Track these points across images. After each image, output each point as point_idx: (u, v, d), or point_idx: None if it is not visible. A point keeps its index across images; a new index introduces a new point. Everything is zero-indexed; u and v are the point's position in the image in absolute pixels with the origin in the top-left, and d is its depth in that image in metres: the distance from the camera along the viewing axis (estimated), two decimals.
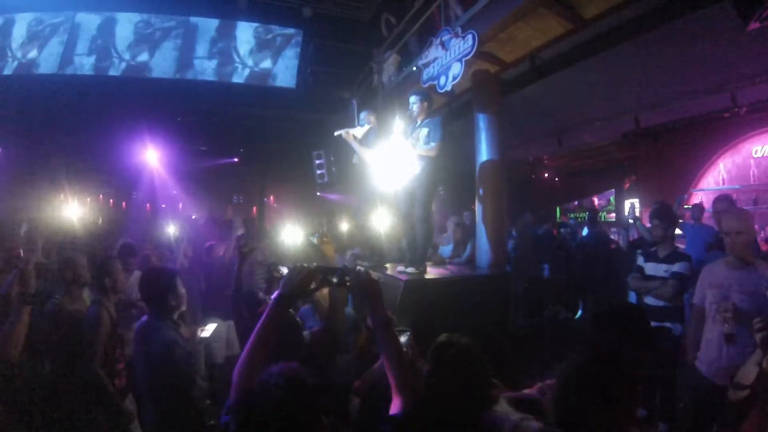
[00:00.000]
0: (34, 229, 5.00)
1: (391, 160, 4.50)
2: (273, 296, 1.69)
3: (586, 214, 9.34)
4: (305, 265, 1.73)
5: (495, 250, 5.25)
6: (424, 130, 4.33)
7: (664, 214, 3.96)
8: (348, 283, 1.73)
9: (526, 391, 1.87)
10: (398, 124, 4.51)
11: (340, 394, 2.64)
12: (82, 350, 2.96)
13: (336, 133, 4.91)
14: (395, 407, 1.54)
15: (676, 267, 3.66)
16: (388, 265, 4.89)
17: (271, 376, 1.26)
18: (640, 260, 4.03)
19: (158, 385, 2.58)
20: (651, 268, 3.86)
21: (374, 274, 4.09)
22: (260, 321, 1.63)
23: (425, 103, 4.44)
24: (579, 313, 7.64)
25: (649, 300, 3.79)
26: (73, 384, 2.91)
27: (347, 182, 11.13)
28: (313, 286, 1.74)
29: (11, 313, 2.51)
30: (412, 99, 4.45)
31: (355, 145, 4.73)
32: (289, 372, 1.28)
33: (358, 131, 4.74)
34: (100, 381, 2.90)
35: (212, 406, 4.74)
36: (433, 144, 4.24)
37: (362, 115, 4.80)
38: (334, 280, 1.74)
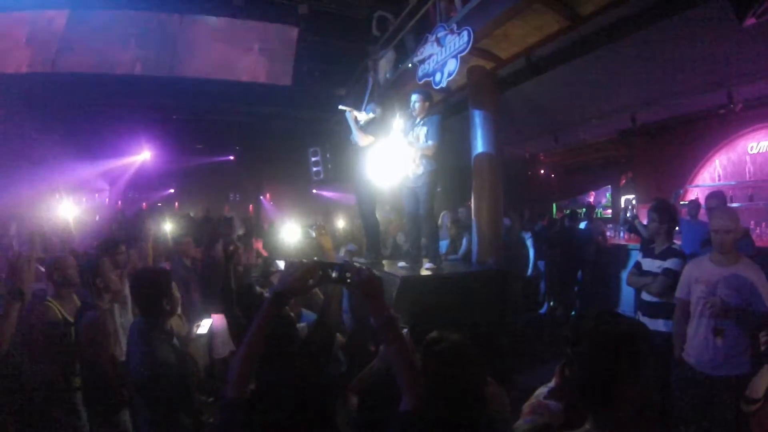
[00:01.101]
0: (25, 227, 4.94)
1: (390, 156, 4.52)
2: (268, 292, 1.66)
3: (577, 211, 9.38)
4: (303, 260, 1.69)
5: (491, 247, 5.25)
6: (423, 129, 4.37)
7: (662, 210, 3.97)
8: (348, 280, 1.64)
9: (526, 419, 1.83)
10: (398, 122, 4.52)
11: (334, 387, 2.62)
12: (71, 353, 2.93)
13: (341, 107, 4.96)
14: (405, 405, 1.49)
15: (667, 263, 3.69)
16: (384, 262, 4.88)
17: (282, 373, 1.31)
18: (639, 256, 4.06)
19: (149, 400, 2.47)
20: (647, 264, 3.88)
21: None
22: (256, 318, 1.59)
23: (426, 102, 4.47)
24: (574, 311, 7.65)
25: (644, 296, 3.82)
26: (59, 386, 2.88)
27: (344, 179, 11.14)
28: (311, 282, 1.66)
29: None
30: (414, 97, 4.47)
31: (354, 126, 4.76)
32: (301, 369, 1.33)
33: (362, 116, 4.77)
34: (114, 384, 2.89)
35: (214, 403, 4.76)
36: (430, 143, 4.28)
37: (370, 105, 4.85)
38: (334, 275, 1.64)
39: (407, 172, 4.47)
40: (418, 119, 4.46)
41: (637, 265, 3.99)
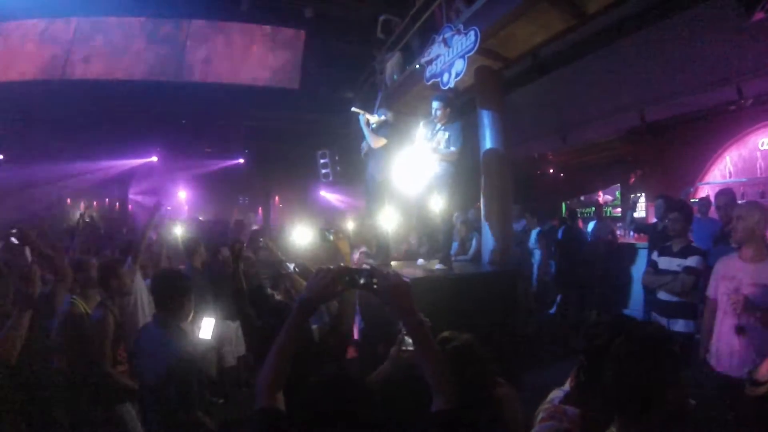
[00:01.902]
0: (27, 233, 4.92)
1: (413, 163, 4.60)
2: (297, 299, 1.65)
3: (576, 211, 9.35)
4: (330, 267, 1.66)
5: (501, 248, 5.24)
6: (445, 134, 4.43)
7: (682, 208, 3.89)
8: (376, 286, 1.60)
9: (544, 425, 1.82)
10: (421, 130, 4.60)
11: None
12: (91, 352, 2.98)
13: (353, 109, 5.08)
14: (436, 405, 1.49)
15: (689, 261, 3.60)
16: (393, 263, 4.89)
17: (326, 378, 1.43)
18: (654, 254, 3.98)
19: (164, 396, 2.48)
20: (664, 263, 3.79)
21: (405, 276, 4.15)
22: (283, 329, 1.59)
23: (447, 109, 4.52)
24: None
25: (662, 295, 3.73)
26: (82, 384, 2.92)
27: (352, 181, 11.17)
28: (339, 288, 1.64)
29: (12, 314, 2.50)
30: (435, 104, 4.52)
31: (366, 129, 4.83)
32: (343, 373, 1.44)
33: (374, 119, 4.84)
34: (115, 381, 2.91)
35: (224, 405, 4.81)
36: (453, 149, 4.35)
37: (382, 109, 4.93)
38: (362, 281, 1.61)
39: (427, 175, 4.54)
40: (440, 125, 4.51)
41: (653, 263, 3.90)
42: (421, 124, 4.65)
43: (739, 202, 3.54)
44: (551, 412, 1.77)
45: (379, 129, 4.84)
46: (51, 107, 10.76)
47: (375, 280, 1.60)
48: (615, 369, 1.34)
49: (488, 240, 5.34)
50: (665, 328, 1.38)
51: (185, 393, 2.46)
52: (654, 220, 5.86)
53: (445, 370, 1.55)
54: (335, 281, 1.61)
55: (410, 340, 2.27)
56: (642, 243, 7.04)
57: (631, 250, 7.31)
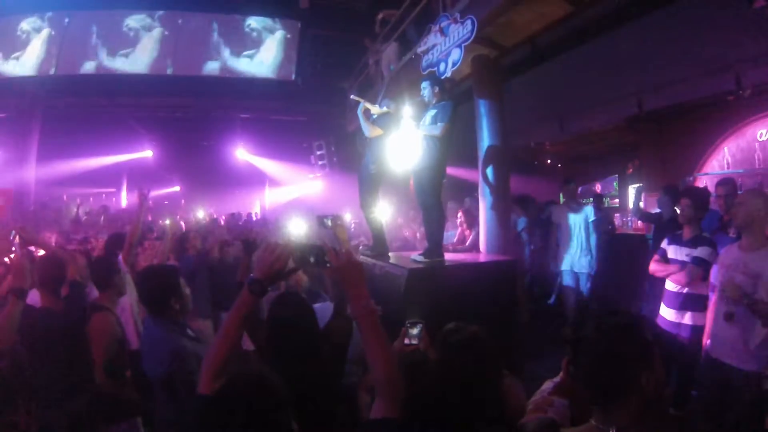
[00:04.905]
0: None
1: (400, 145, 4.48)
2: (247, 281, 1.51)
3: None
4: (278, 242, 1.55)
5: (500, 237, 5.22)
6: (432, 112, 4.25)
7: (695, 196, 3.79)
8: (327, 264, 1.49)
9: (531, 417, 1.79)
10: (407, 110, 4.47)
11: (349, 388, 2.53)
12: (85, 355, 2.88)
13: (353, 97, 5.05)
14: (377, 411, 1.36)
15: (697, 251, 3.49)
16: (391, 255, 4.84)
17: (238, 382, 1.22)
18: (664, 242, 3.88)
19: (171, 390, 2.36)
20: (673, 251, 3.70)
21: (364, 258, 4.03)
22: (231, 309, 1.49)
23: (436, 87, 4.35)
24: None
25: (670, 286, 3.65)
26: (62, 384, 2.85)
27: (348, 172, 11.14)
28: (290, 267, 1.55)
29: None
30: (423, 84, 4.38)
31: (362, 117, 4.73)
32: (258, 378, 1.22)
33: (375, 109, 4.74)
34: (112, 389, 2.83)
35: None
36: (440, 124, 4.10)
37: (385, 101, 4.84)
38: (312, 260, 1.52)
39: (413, 158, 4.34)
40: (430, 106, 4.35)
41: (662, 252, 3.81)
42: (406, 104, 4.51)
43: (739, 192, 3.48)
44: (538, 404, 1.80)
45: (380, 119, 4.76)
46: (44, 102, 10.69)
47: (327, 258, 1.50)
48: (586, 358, 1.37)
49: (486, 230, 5.30)
50: (635, 315, 1.40)
51: (189, 384, 2.39)
52: (656, 210, 5.80)
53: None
54: (284, 259, 1.51)
55: (414, 332, 2.23)
56: (640, 233, 7.03)
57: (631, 240, 7.30)
